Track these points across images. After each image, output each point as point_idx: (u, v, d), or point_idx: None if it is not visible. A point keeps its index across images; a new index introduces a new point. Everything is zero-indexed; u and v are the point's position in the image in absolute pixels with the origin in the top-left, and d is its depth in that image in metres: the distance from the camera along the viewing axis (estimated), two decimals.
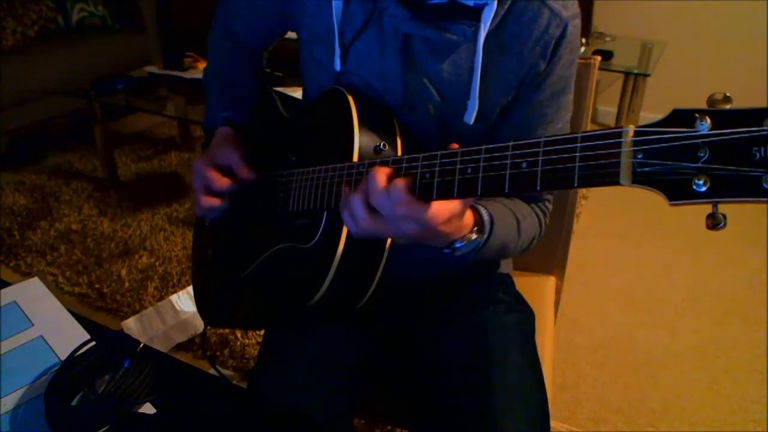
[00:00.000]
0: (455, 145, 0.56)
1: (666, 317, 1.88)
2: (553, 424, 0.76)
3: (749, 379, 1.64)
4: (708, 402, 1.56)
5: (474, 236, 0.66)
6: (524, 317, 0.89)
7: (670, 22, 3.03)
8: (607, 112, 3.24)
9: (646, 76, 2.62)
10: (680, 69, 3.07)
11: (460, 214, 0.61)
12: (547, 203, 0.86)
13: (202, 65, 2.53)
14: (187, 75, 2.49)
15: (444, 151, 0.56)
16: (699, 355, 1.73)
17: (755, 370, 1.67)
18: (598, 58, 1.04)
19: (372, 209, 0.59)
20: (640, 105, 2.84)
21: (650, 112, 3.12)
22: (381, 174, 0.58)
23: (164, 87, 2.53)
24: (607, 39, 2.95)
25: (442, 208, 0.58)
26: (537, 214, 0.83)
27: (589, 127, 1.05)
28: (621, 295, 1.99)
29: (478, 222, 0.68)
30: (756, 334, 1.80)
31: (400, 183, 0.56)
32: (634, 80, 2.76)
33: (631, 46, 2.88)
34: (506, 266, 0.98)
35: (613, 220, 2.45)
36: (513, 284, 0.95)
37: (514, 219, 0.77)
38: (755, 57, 2.89)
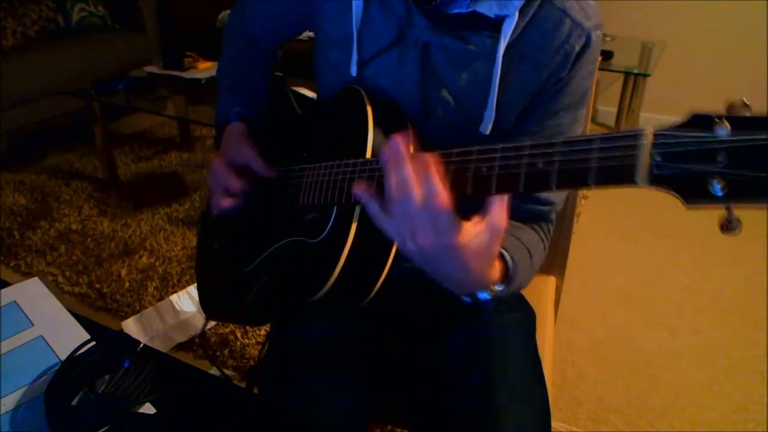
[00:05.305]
0: None
1: (666, 317, 1.88)
2: (552, 424, 0.77)
3: (749, 379, 1.64)
4: (708, 402, 1.56)
5: (498, 288, 0.66)
6: (525, 316, 0.89)
7: (670, 22, 3.03)
8: (607, 112, 3.24)
9: (646, 76, 2.62)
10: (680, 69, 3.07)
11: (491, 254, 0.59)
12: (551, 225, 0.84)
13: (202, 65, 2.53)
14: (187, 75, 2.49)
15: (460, 150, 0.55)
16: (699, 355, 1.73)
17: (755, 370, 1.67)
18: (599, 58, 1.03)
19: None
20: (640, 105, 2.84)
21: (650, 112, 3.12)
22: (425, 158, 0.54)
23: (164, 87, 2.53)
24: (607, 39, 2.95)
25: (473, 225, 0.55)
26: (543, 241, 0.81)
27: (590, 127, 1.05)
28: (621, 295, 1.99)
29: (505, 271, 0.67)
30: (756, 334, 1.80)
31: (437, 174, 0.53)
32: (634, 80, 2.76)
33: (631, 46, 2.88)
34: None
35: (613, 220, 2.45)
36: None
37: (528, 255, 0.74)
38: (755, 57, 2.89)
